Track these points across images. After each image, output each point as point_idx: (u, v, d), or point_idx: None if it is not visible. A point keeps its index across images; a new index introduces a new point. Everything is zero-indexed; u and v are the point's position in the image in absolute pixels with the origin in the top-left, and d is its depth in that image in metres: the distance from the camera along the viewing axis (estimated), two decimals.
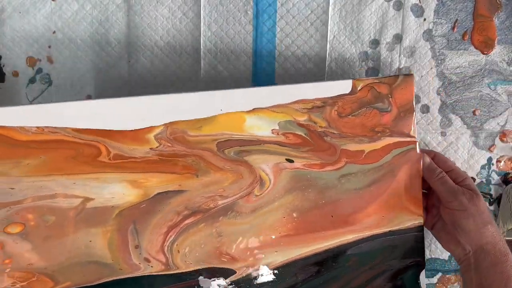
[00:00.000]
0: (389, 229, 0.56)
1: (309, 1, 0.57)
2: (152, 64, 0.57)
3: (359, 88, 0.54)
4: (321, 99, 0.53)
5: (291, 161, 0.52)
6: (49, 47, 0.56)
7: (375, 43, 0.56)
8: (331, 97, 0.53)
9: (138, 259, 0.47)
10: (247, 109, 0.50)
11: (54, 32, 0.56)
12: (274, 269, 0.52)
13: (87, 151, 0.45)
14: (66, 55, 0.56)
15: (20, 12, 0.55)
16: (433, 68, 0.58)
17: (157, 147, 0.47)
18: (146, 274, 0.47)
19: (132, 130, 0.46)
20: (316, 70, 0.56)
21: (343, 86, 0.53)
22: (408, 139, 0.56)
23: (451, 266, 0.63)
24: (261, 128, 0.51)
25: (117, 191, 0.46)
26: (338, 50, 0.56)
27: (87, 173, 0.45)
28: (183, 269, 0.49)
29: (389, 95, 0.55)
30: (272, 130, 0.51)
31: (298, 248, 0.53)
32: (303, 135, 0.52)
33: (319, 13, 0.57)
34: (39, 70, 0.56)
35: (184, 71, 0.58)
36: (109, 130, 0.46)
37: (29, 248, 0.44)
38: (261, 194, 0.51)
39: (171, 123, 0.48)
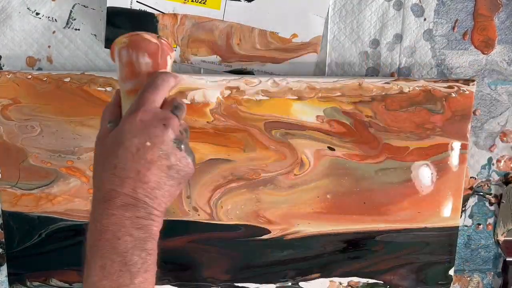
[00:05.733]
0: (425, 225, 0.58)
1: None
2: None
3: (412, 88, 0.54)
4: (370, 95, 0.54)
5: (333, 149, 0.56)
6: (49, 47, 0.55)
7: (375, 43, 0.55)
8: (381, 93, 0.54)
9: (188, 207, 0.57)
10: (295, 97, 0.54)
11: (54, 32, 0.55)
12: (305, 237, 0.58)
13: None
14: (66, 55, 0.56)
15: (20, 12, 0.54)
16: (433, 68, 0.56)
17: (212, 121, 0.54)
18: (193, 220, 0.57)
19: (193, 104, 0.54)
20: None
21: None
22: (461, 141, 0.55)
23: None
24: (307, 113, 0.54)
25: None
26: (338, 50, 0.55)
27: None
28: (225, 221, 0.57)
29: (444, 99, 0.54)
30: (317, 116, 0.54)
31: (330, 225, 0.58)
32: (348, 123, 0.55)
33: None
34: (39, 70, 0.55)
35: None
36: None
37: None
38: (300, 174, 0.56)
39: (224, 99, 0.54)
